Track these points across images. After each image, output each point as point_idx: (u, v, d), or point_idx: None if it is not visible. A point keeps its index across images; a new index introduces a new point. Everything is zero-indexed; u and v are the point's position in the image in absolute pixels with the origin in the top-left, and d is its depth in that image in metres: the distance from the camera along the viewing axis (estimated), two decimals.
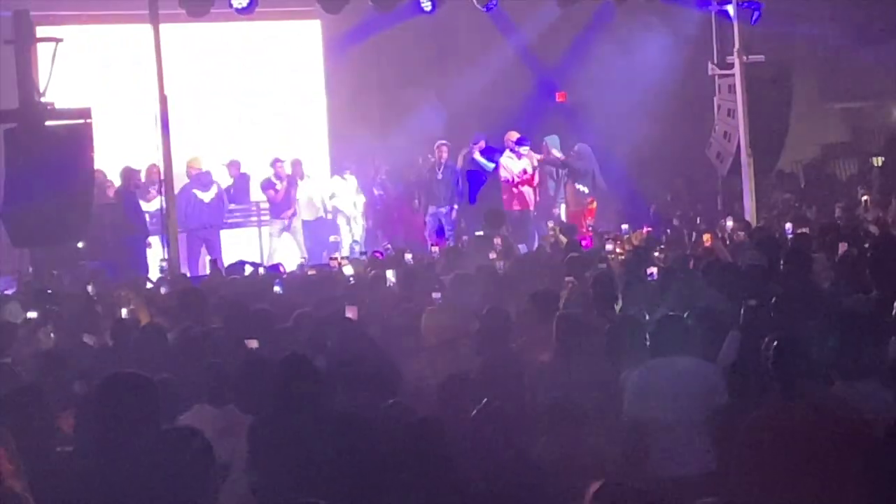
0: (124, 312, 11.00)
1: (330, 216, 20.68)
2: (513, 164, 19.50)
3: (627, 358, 7.78)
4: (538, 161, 19.69)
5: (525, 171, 19.43)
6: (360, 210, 20.74)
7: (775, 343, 6.00)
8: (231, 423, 6.72)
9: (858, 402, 5.80)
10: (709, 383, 7.14)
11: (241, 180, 20.36)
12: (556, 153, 19.91)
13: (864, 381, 6.01)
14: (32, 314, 11.16)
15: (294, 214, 19.88)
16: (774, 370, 5.93)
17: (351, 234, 20.57)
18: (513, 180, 19.42)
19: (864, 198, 16.03)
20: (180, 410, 7.23)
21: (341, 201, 20.60)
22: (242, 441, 6.58)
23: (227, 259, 17.41)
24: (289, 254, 19.13)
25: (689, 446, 6.93)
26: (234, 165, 20.49)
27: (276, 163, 19.98)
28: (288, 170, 20.00)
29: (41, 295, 12.28)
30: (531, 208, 19.61)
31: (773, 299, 8.53)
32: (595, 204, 19.49)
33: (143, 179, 18.34)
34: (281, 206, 19.68)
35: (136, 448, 5.24)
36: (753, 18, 18.20)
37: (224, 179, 20.12)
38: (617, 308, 9.97)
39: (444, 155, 19.94)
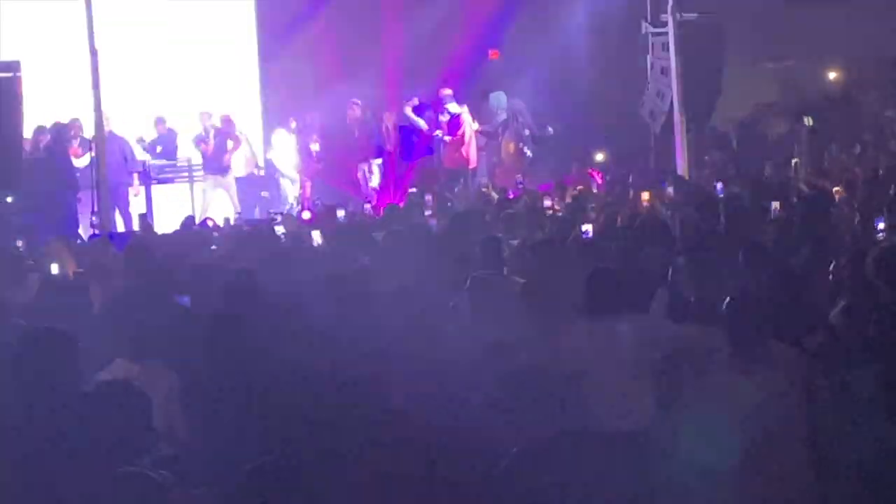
0: (54, 268, 10.85)
1: (263, 172, 20.49)
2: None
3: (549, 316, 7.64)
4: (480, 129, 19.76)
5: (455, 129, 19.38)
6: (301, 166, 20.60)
7: (728, 300, 6.03)
8: (153, 378, 6.60)
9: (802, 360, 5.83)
10: (645, 338, 7.08)
11: (169, 136, 20.05)
12: (501, 110, 19.94)
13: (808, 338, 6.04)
14: None
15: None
16: (728, 328, 5.95)
17: (288, 189, 20.39)
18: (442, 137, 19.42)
19: (795, 160, 16.10)
20: (99, 366, 7.10)
21: (278, 155, 20.37)
22: (164, 396, 6.50)
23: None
24: (222, 209, 18.92)
25: (625, 401, 6.87)
26: (160, 121, 20.23)
27: (203, 116, 19.76)
28: (217, 122, 19.76)
29: None
30: (468, 166, 19.56)
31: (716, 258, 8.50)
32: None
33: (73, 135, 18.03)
34: (212, 160, 19.45)
35: (57, 405, 5.15)
36: None
37: (151, 135, 19.95)
38: None
39: (357, 113, 19.79)
